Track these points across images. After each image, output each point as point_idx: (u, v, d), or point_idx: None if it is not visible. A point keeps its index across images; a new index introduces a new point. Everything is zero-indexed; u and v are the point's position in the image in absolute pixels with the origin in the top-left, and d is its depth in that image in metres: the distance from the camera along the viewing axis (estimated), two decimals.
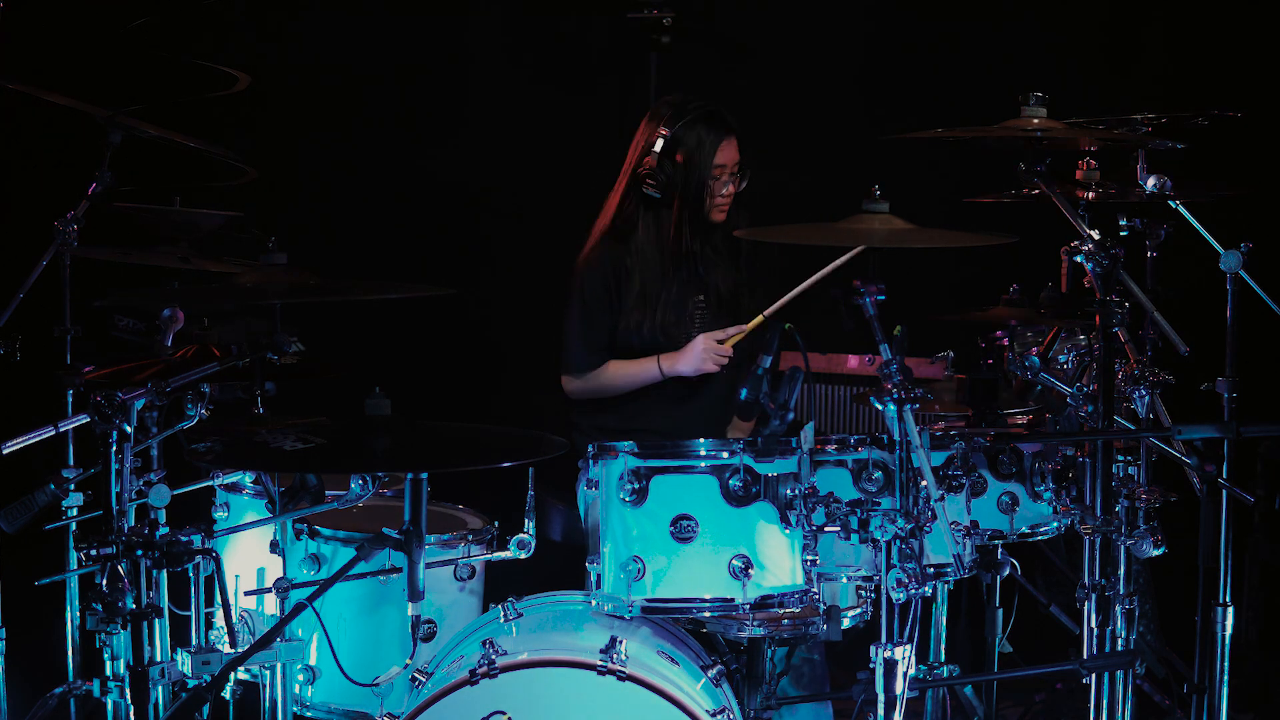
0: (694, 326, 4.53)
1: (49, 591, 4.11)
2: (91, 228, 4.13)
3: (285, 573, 3.66)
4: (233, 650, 3.60)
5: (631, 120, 4.62)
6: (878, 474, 3.58)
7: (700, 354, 4.43)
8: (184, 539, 3.37)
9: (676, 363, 4.47)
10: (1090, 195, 4.30)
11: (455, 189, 5.77)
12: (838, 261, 4.22)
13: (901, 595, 3.25)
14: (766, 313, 4.36)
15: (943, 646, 4.22)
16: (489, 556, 3.88)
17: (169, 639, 3.80)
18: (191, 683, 3.54)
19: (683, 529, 3.50)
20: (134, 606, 3.35)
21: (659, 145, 4.45)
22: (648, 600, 3.53)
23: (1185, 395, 3.97)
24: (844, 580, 3.66)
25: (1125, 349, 3.76)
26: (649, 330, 4.50)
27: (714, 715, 3.44)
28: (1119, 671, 3.69)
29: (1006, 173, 4.00)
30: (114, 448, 3.39)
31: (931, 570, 3.39)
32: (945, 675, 4.14)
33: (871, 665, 3.29)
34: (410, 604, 3.45)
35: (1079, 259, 3.64)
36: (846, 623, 3.75)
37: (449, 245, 5.80)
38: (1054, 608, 4.63)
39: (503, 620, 3.70)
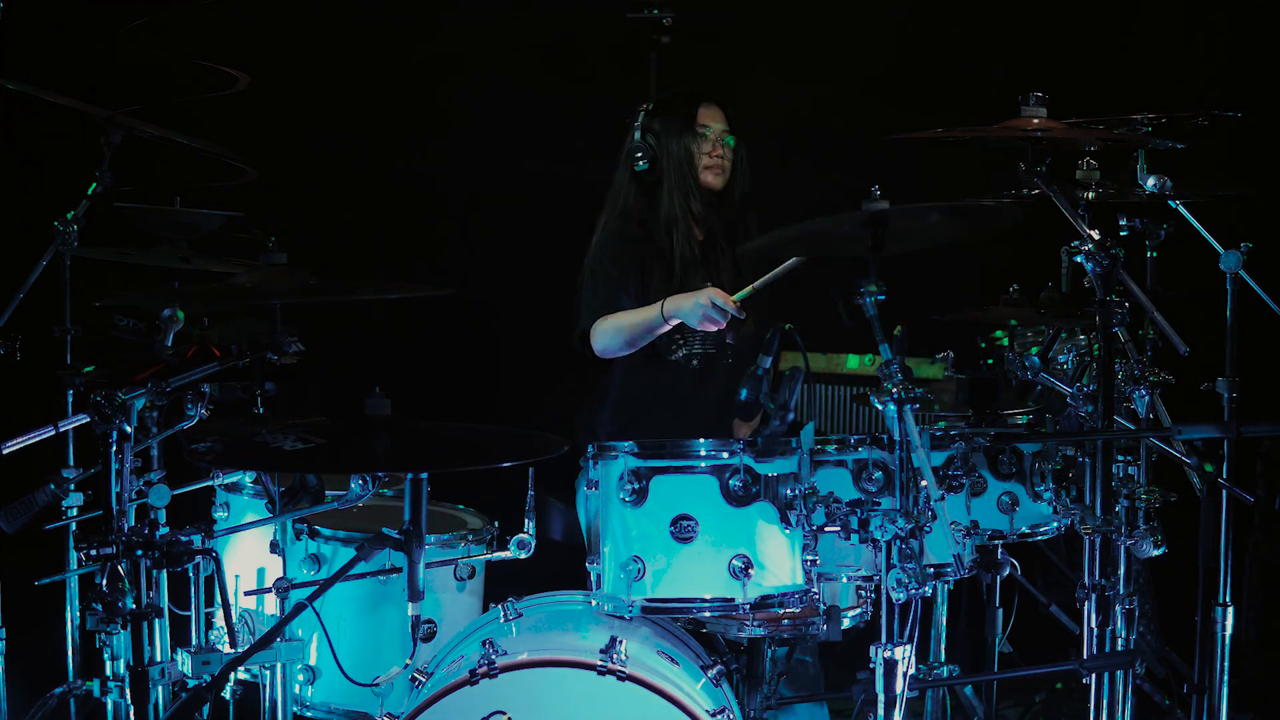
0: None
1: (49, 591, 4.11)
2: (91, 228, 4.13)
3: (285, 573, 3.66)
4: (233, 650, 3.60)
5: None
6: (878, 474, 3.58)
7: (699, 305, 4.20)
8: (184, 539, 3.37)
9: (679, 302, 4.25)
10: (1090, 195, 4.30)
11: (455, 189, 5.77)
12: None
13: (901, 595, 3.25)
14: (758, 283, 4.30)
15: (943, 646, 4.22)
16: (489, 556, 3.88)
17: (169, 639, 3.80)
18: (191, 683, 3.54)
19: (683, 529, 3.50)
20: (134, 606, 3.35)
21: (640, 119, 4.50)
22: (648, 600, 3.52)
23: (1185, 395, 3.97)
24: (844, 580, 3.66)
25: (1125, 349, 3.76)
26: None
27: (714, 715, 3.44)
28: (1119, 671, 3.69)
29: (1006, 173, 4.00)
30: (114, 448, 3.39)
31: (931, 570, 3.39)
32: (945, 675, 4.14)
33: (871, 665, 3.29)
34: (410, 604, 3.45)
35: (1079, 259, 3.64)
36: (846, 623, 3.75)
37: (449, 245, 5.80)
38: (1054, 608, 4.63)
39: (503, 620, 3.70)
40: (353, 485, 3.41)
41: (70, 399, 4.12)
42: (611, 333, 4.36)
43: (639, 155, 4.49)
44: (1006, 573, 3.96)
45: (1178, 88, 5.53)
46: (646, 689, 3.38)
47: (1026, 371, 3.95)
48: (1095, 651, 3.65)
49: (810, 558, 3.51)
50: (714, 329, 4.26)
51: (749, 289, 4.21)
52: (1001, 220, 3.66)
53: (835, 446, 3.62)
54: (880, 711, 3.27)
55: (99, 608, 3.33)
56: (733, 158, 4.53)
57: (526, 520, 3.77)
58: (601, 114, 4.80)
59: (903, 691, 3.26)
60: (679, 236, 4.49)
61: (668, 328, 4.30)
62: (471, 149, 5.77)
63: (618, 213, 4.55)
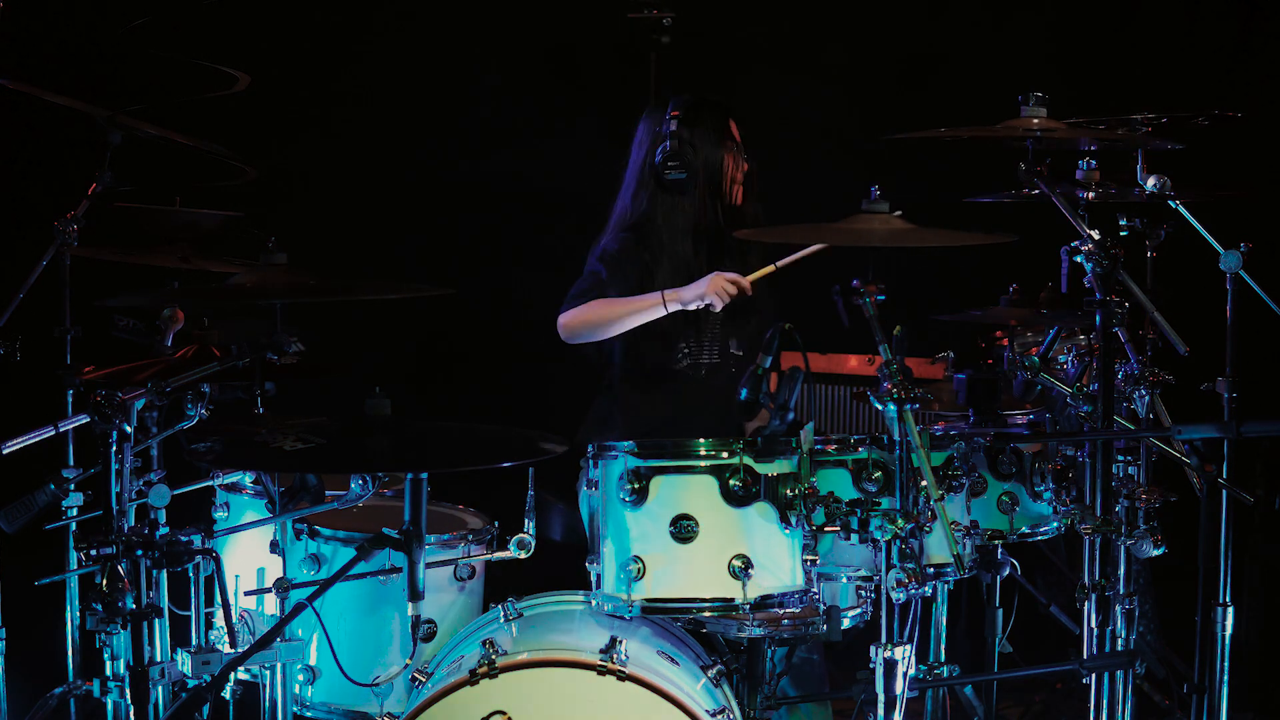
0: (705, 319, 4.50)
1: (49, 591, 4.10)
2: (91, 228, 4.13)
3: (285, 573, 3.65)
4: (233, 650, 3.60)
5: (631, 120, 4.63)
6: (878, 474, 3.58)
7: (707, 283, 4.28)
8: (184, 539, 3.37)
9: (681, 292, 4.32)
10: (1090, 195, 4.29)
11: (456, 189, 5.77)
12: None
13: (901, 595, 3.25)
14: (780, 263, 4.32)
15: (943, 646, 4.22)
16: (489, 556, 3.88)
17: (169, 639, 3.80)
18: (191, 683, 3.55)
19: (683, 529, 3.50)
20: (134, 606, 3.35)
21: (674, 127, 4.46)
22: (647, 600, 3.53)
23: (1185, 395, 3.97)
24: (844, 580, 3.66)
25: (1125, 349, 3.76)
26: (666, 319, 4.45)
27: (714, 715, 3.44)
28: (1119, 671, 3.69)
29: (1006, 173, 4.00)
30: (114, 448, 3.39)
31: (931, 570, 3.39)
32: (945, 675, 4.14)
33: (871, 665, 3.29)
34: (410, 604, 3.45)
35: (1079, 259, 3.64)
36: (846, 623, 3.75)
37: (449, 245, 5.80)
38: (1054, 608, 4.63)
39: (503, 620, 3.70)
40: (353, 485, 3.41)
41: (70, 399, 4.11)
42: (594, 313, 4.35)
43: (673, 164, 4.44)
44: (1006, 573, 3.96)
45: (1178, 88, 5.53)
46: (646, 689, 3.38)
47: (1026, 371, 3.95)
48: (1095, 651, 3.65)
49: (810, 558, 3.51)
50: (723, 302, 4.27)
51: (764, 271, 4.25)
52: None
53: (835, 446, 3.62)
54: (880, 711, 3.27)
55: (99, 608, 3.33)
56: (747, 172, 4.52)
57: (526, 520, 3.77)
58: (602, 114, 4.80)
59: (903, 691, 3.26)
60: (701, 248, 4.45)
61: (662, 313, 4.31)
62: (471, 148, 5.77)
63: (629, 223, 4.51)
